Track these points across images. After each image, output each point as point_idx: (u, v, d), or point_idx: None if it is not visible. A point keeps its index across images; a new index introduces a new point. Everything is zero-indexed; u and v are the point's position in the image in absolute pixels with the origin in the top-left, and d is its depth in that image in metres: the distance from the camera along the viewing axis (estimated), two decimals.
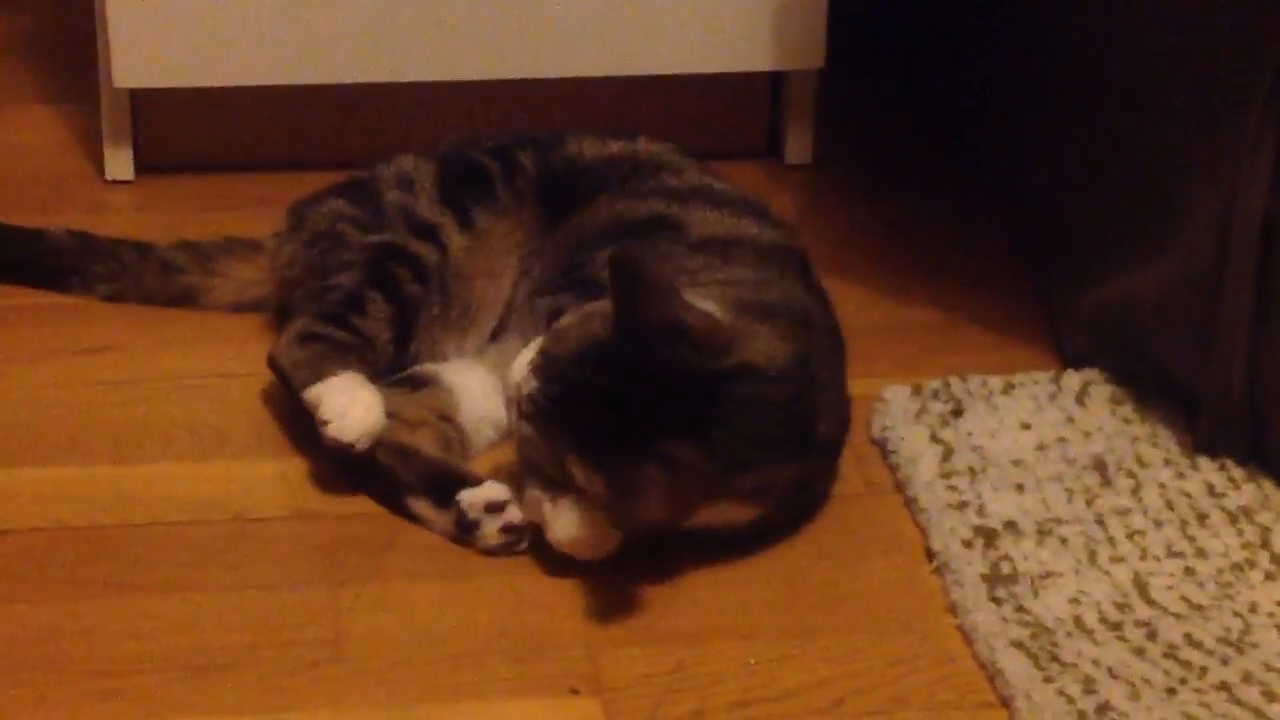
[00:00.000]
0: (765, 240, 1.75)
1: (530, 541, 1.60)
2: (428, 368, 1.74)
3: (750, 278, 1.67)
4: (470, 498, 1.60)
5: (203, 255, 1.88)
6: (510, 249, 1.79)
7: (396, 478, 1.64)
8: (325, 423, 1.62)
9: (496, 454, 1.71)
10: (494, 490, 1.60)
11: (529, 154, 1.83)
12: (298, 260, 1.82)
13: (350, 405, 1.62)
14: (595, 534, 1.56)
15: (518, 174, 1.82)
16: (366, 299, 1.72)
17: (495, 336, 1.78)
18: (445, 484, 1.62)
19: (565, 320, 1.59)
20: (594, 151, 1.85)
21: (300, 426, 1.69)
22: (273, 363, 1.71)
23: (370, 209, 1.80)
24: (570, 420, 1.55)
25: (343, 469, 1.66)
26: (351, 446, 1.62)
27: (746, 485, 1.56)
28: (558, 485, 1.57)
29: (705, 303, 1.58)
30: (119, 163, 2.12)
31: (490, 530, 1.60)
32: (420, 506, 1.63)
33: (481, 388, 1.73)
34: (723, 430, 1.53)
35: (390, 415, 1.65)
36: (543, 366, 1.56)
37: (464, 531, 1.60)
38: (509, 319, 1.77)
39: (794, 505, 1.63)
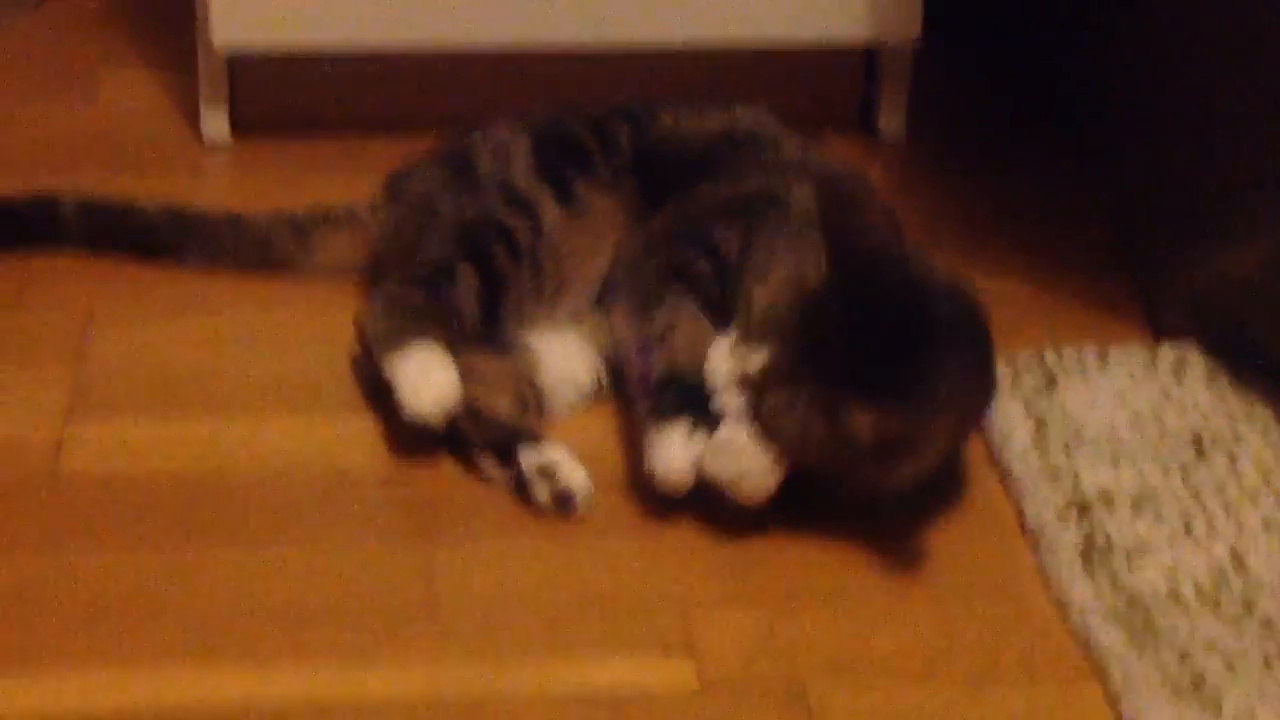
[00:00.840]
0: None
1: (586, 506, 1.60)
2: (512, 333, 1.74)
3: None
4: (528, 458, 1.61)
5: (297, 226, 1.89)
6: (611, 227, 1.78)
7: (466, 434, 1.65)
8: (401, 396, 1.63)
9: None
10: (550, 453, 1.61)
11: (624, 129, 1.83)
12: (391, 230, 1.83)
13: (425, 379, 1.63)
14: (767, 468, 1.56)
15: (614, 151, 1.81)
16: (457, 270, 1.73)
17: (594, 304, 1.78)
18: (509, 442, 1.63)
19: (757, 292, 1.57)
20: (692, 126, 1.84)
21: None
22: (358, 325, 1.72)
23: (466, 180, 1.80)
24: (825, 362, 1.52)
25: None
26: (427, 420, 1.63)
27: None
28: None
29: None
30: (216, 126, 2.13)
31: (541, 492, 1.60)
32: (486, 463, 1.64)
33: (565, 352, 1.73)
34: (959, 349, 1.55)
35: (469, 374, 1.66)
36: (763, 335, 1.54)
37: (520, 490, 1.62)
38: (608, 292, 1.77)
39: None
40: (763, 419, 1.55)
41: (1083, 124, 2.14)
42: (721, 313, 1.63)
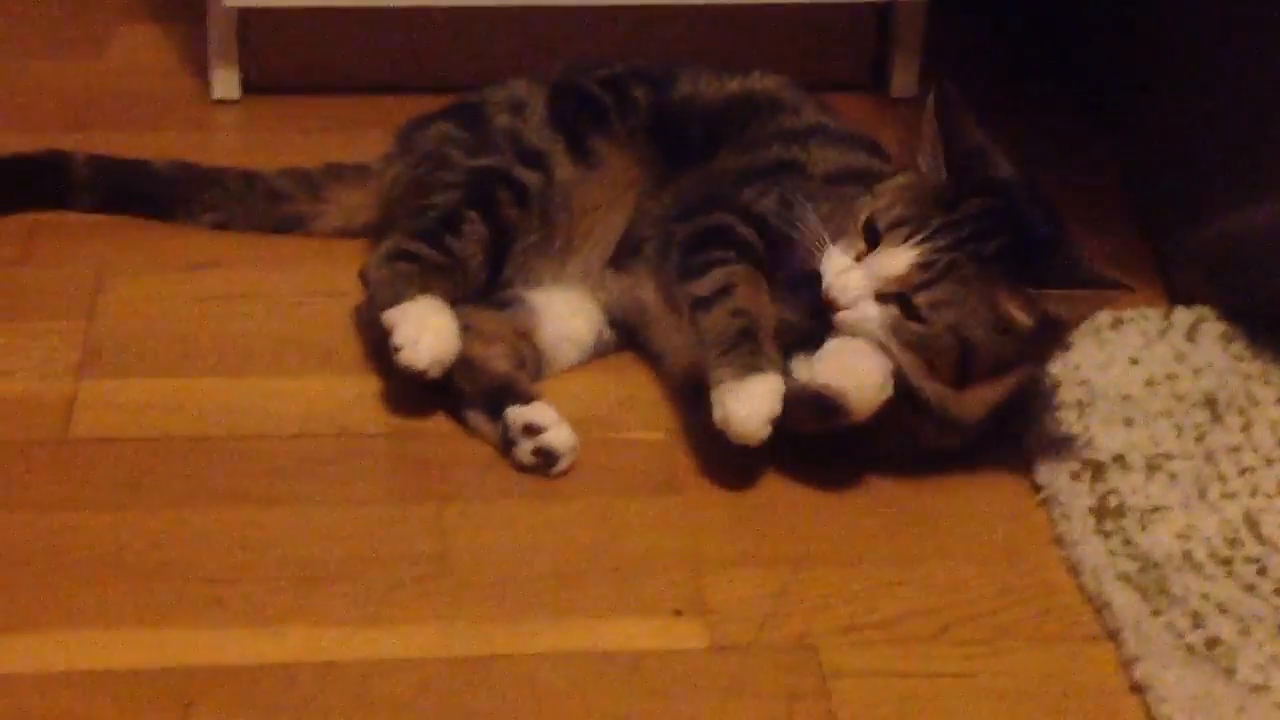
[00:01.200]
0: (887, 173, 1.73)
1: (568, 465, 1.60)
2: (516, 289, 1.74)
3: None
4: (514, 415, 1.61)
5: (310, 182, 1.88)
6: (627, 185, 1.77)
7: (459, 388, 1.65)
8: (398, 348, 1.62)
9: (588, 378, 1.72)
10: (538, 412, 1.61)
11: (642, 89, 1.82)
12: (401, 180, 1.81)
13: (423, 332, 1.62)
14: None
15: (631, 109, 1.80)
16: (464, 219, 1.72)
17: (609, 264, 1.77)
18: (500, 398, 1.62)
19: (876, 204, 1.57)
20: (711, 91, 1.83)
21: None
22: (363, 276, 1.72)
23: (478, 133, 1.79)
24: (985, 254, 1.54)
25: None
26: (424, 374, 1.62)
27: None
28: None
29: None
30: (225, 82, 2.12)
31: (524, 449, 1.60)
32: (475, 418, 1.64)
33: (567, 309, 1.73)
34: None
35: (467, 328, 1.66)
36: (908, 237, 1.54)
37: (506, 447, 1.61)
38: (626, 253, 1.76)
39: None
40: (918, 319, 1.55)
41: (1095, 84, 2.13)
42: (767, 275, 1.63)
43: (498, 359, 1.67)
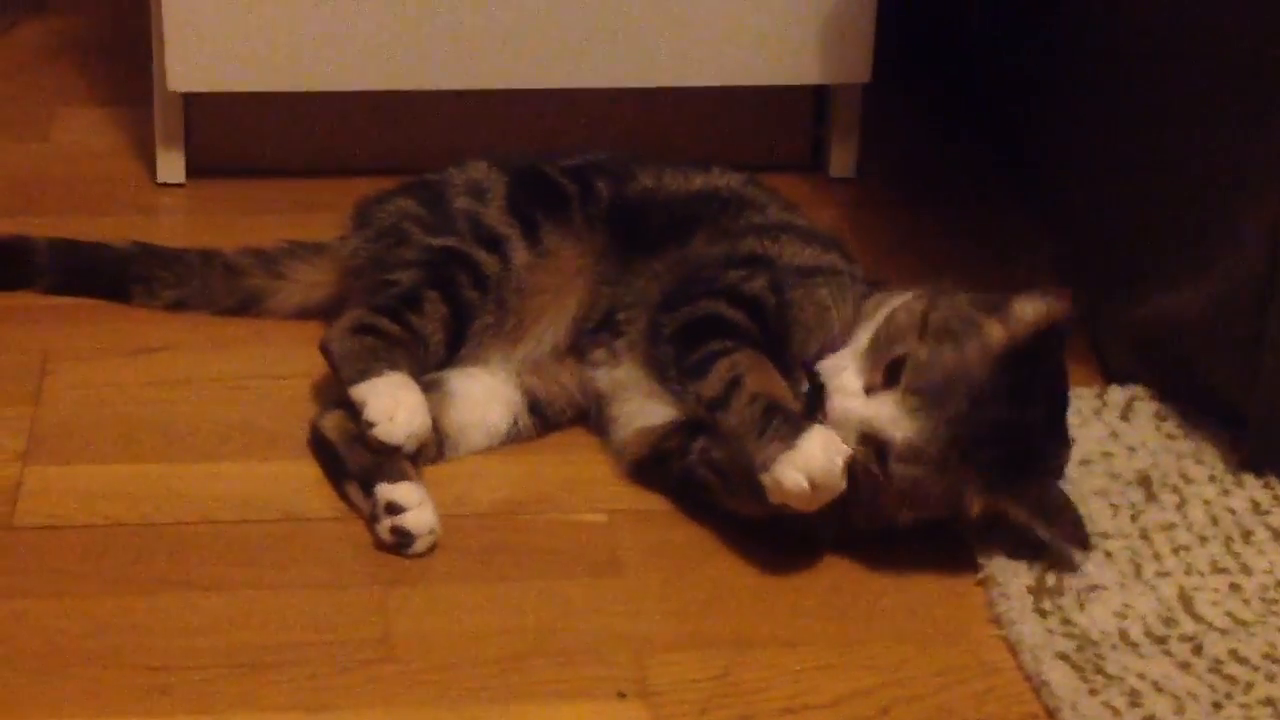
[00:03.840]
0: (851, 272, 1.76)
1: (424, 549, 1.61)
2: (441, 371, 1.75)
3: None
4: (381, 491, 1.62)
5: (267, 258, 1.89)
6: (578, 271, 1.79)
7: (342, 462, 1.67)
8: (372, 424, 1.64)
9: (530, 460, 1.74)
10: (402, 492, 1.62)
11: (605, 181, 1.84)
12: (360, 254, 1.83)
13: (397, 408, 1.65)
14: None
15: (592, 200, 1.83)
16: (424, 298, 1.74)
17: (570, 352, 1.78)
18: (375, 475, 1.64)
19: (910, 346, 1.57)
20: (675, 185, 1.86)
21: None
22: (325, 349, 1.73)
23: (438, 212, 1.82)
24: (981, 458, 1.56)
25: (313, 447, 1.70)
26: (398, 449, 1.64)
27: None
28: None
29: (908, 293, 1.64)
30: (171, 166, 2.14)
31: (384, 526, 1.62)
32: (352, 490, 1.66)
33: (484, 396, 1.75)
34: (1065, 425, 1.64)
35: None
36: (920, 408, 1.55)
37: (371, 522, 1.63)
38: (581, 340, 1.77)
39: None
40: (884, 472, 1.56)
41: (1031, 166, 2.16)
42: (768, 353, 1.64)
43: None
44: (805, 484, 1.54)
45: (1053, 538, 1.60)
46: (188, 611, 1.55)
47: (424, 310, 1.74)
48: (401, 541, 1.61)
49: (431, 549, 1.62)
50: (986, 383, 1.56)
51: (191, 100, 2.11)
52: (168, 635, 1.52)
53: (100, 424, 1.75)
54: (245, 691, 1.47)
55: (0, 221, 1.96)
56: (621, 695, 1.49)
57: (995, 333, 1.58)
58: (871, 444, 1.57)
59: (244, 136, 2.15)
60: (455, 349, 1.75)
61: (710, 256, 1.76)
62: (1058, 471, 1.62)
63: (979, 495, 1.58)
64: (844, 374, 1.59)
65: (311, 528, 1.65)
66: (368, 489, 1.64)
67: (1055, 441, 1.62)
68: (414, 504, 1.61)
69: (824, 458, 1.54)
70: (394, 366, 1.68)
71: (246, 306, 1.90)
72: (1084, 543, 1.59)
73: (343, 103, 2.12)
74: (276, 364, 1.83)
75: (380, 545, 1.62)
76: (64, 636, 1.52)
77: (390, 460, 1.65)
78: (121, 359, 1.84)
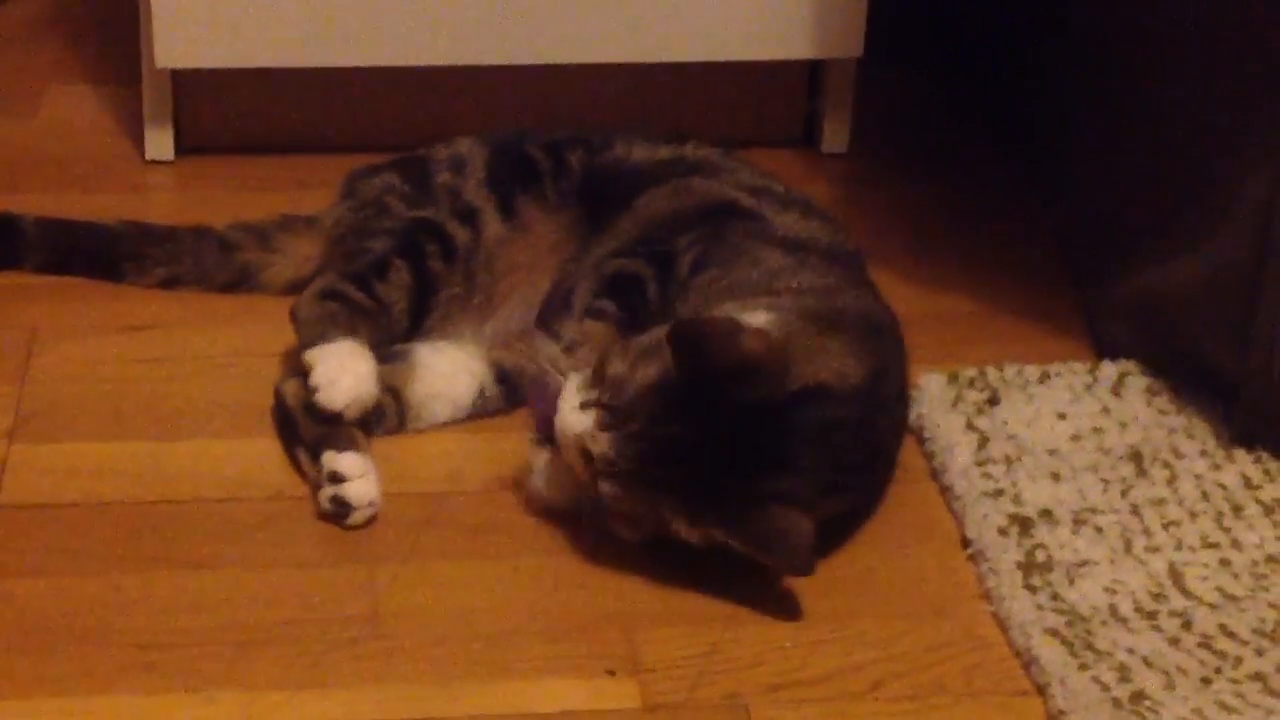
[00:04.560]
0: (831, 243, 1.76)
1: (361, 521, 1.61)
2: (408, 345, 1.75)
3: (820, 284, 1.67)
4: (326, 459, 1.62)
5: (260, 233, 1.89)
6: (553, 248, 1.79)
7: (296, 428, 1.67)
8: (315, 388, 1.64)
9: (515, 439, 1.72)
10: (345, 462, 1.62)
11: (578, 155, 1.84)
12: (342, 223, 1.85)
13: (341, 374, 1.65)
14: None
15: (564, 175, 1.83)
16: (391, 266, 1.75)
17: (539, 327, 1.78)
18: (323, 443, 1.64)
19: (616, 367, 1.54)
20: (643, 155, 1.86)
21: None
22: (292, 314, 1.74)
23: (420, 186, 1.83)
24: (664, 479, 1.53)
25: (273, 413, 1.70)
26: (339, 415, 1.64)
27: (830, 509, 1.56)
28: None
29: (772, 314, 1.57)
30: (159, 143, 2.13)
31: (325, 494, 1.62)
32: (302, 457, 1.66)
33: (450, 368, 1.75)
34: (810, 457, 1.53)
35: None
36: (611, 424, 1.53)
37: (315, 489, 1.63)
38: (553, 313, 1.77)
39: (867, 506, 1.64)
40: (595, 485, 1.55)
41: (1026, 139, 2.16)
42: (653, 319, 1.63)
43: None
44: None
45: (774, 565, 1.54)
46: (176, 589, 1.55)
47: (389, 279, 1.74)
48: (339, 511, 1.61)
49: (369, 522, 1.62)
50: (660, 403, 1.51)
51: (180, 77, 2.10)
52: (156, 613, 1.52)
53: (88, 402, 1.75)
54: (234, 669, 1.47)
55: None
56: (611, 672, 1.49)
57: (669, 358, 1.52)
58: (586, 457, 1.55)
59: (233, 113, 2.14)
60: (419, 319, 1.75)
61: (685, 200, 1.76)
62: (794, 499, 1.51)
63: (677, 516, 1.53)
64: (574, 384, 1.57)
65: (300, 505, 1.65)
66: (315, 456, 1.64)
67: (790, 471, 1.52)
68: (356, 475, 1.61)
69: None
70: (349, 334, 1.68)
71: (239, 282, 1.89)
72: (804, 570, 1.52)
73: (332, 79, 2.11)
74: (265, 341, 1.82)
75: (320, 514, 1.62)
76: (51, 615, 1.51)
77: (339, 429, 1.64)
78: (109, 336, 1.84)
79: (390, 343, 1.73)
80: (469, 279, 1.77)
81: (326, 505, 1.62)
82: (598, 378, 1.56)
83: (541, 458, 1.62)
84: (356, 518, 1.61)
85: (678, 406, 1.51)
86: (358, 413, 1.64)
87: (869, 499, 1.64)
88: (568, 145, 1.85)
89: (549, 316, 1.76)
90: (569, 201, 1.81)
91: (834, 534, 1.60)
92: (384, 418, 1.71)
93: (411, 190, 1.83)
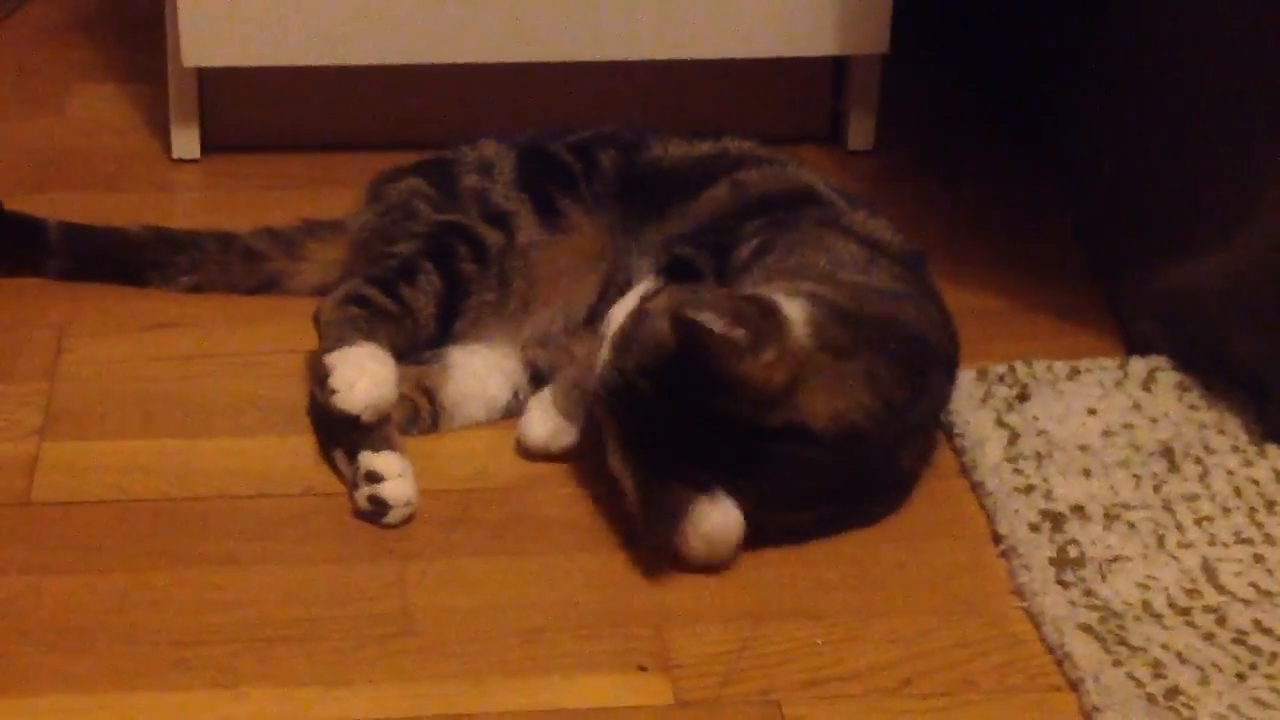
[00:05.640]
0: (900, 247, 1.74)
1: (399, 520, 1.61)
2: (442, 349, 1.75)
3: (887, 288, 1.66)
4: (363, 459, 1.62)
5: (286, 240, 1.88)
6: (598, 255, 1.78)
7: (335, 428, 1.67)
8: (333, 391, 1.64)
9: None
10: (383, 461, 1.62)
11: (609, 155, 1.83)
12: (368, 228, 1.84)
13: (359, 377, 1.64)
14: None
15: (598, 176, 1.81)
16: (419, 270, 1.74)
17: (585, 326, 1.77)
18: (360, 443, 1.64)
19: (658, 301, 1.57)
20: (680, 152, 1.85)
21: None
22: (316, 318, 1.74)
23: (446, 190, 1.81)
24: (623, 415, 1.55)
25: (310, 414, 1.71)
26: (357, 418, 1.63)
27: (780, 521, 1.57)
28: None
29: (809, 309, 1.56)
30: (185, 142, 2.13)
31: (362, 494, 1.62)
32: (339, 457, 1.66)
33: (484, 368, 1.74)
34: (759, 481, 1.54)
35: None
36: (618, 347, 1.56)
37: (352, 488, 1.63)
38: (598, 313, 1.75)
39: (846, 520, 1.62)
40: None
41: (1053, 136, 2.15)
42: None
43: (394, 413, 1.68)
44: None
45: (651, 540, 1.56)
46: (206, 586, 1.55)
47: (417, 282, 1.73)
48: (377, 510, 1.61)
49: (407, 520, 1.61)
50: (651, 359, 1.54)
51: (206, 75, 2.10)
52: (186, 610, 1.52)
53: (116, 399, 1.75)
54: (264, 666, 1.47)
55: (16, 197, 1.95)
56: (642, 668, 1.48)
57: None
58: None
59: (259, 111, 2.14)
60: (449, 324, 1.74)
61: (748, 191, 1.75)
62: (717, 495, 1.54)
63: (613, 444, 1.58)
64: (640, 290, 1.62)
65: (329, 502, 1.64)
66: (352, 456, 1.63)
67: (733, 477, 1.54)
68: (393, 474, 1.61)
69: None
70: (370, 338, 1.68)
71: (267, 288, 1.88)
72: (678, 558, 1.55)
73: (357, 77, 2.11)
74: (292, 338, 1.82)
75: (357, 513, 1.62)
76: (82, 612, 1.51)
77: (377, 429, 1.64)
78: (137, 334, 1.84)
79: (418, 348, 1.72)
80: (503, 283, 1.76)
81: (364, 504, 1.61)
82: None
83: (540, 400, 1.65)
84: (394, 516, 1.61)
85: (662, 372, 1.52)
86: (374, 417, 1.64)
87: (851, 511, 1.62)
88: (597, 145, 1.84)
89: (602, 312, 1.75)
90: (606, 203, 1.80)
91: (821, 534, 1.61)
92: (418, 419, 1.71)
93: (438, 194, 1.82)
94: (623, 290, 1.72)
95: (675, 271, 1.67)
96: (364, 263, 1.80)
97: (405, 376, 1.71)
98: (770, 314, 1.53)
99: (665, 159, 1.84)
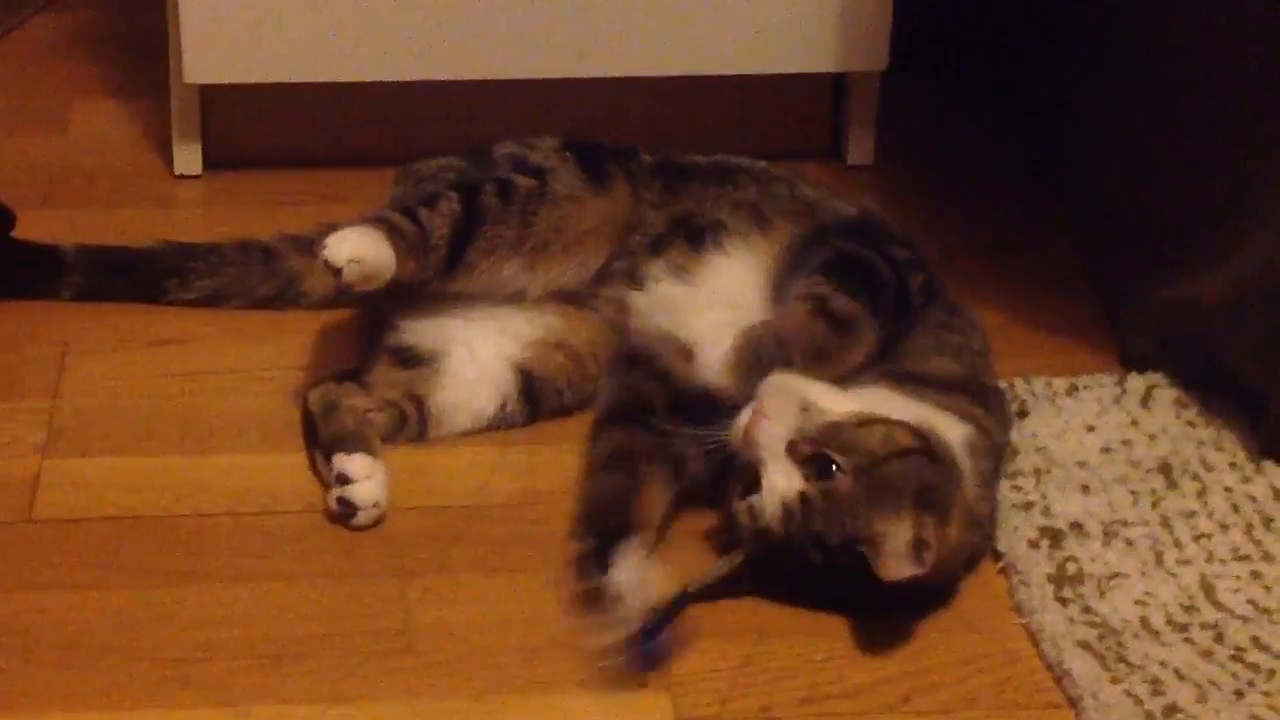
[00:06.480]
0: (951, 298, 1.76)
1: (367, 522, 1.63)
2: (439, 345, 1.75)
3: (975, 345, 1.68)
4: (336, 461, 1.64)
5: (304, 241, 1.88)
6: (624, 221, 1.78)
7: (316, 429, 1.69)
8: (324, 247, 1.64)
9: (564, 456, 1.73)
10: (353, 464, 1.63)
11: (646, 151, 1.86)
12: (397, 199, 1.82)
13: (350, 236, 1.64)
14: None
15: (637, 158, 1.84)
16: (441, 196, 1.73)
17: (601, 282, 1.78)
18: (335, 446, 1.65)
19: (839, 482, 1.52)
20: (721, 159, 1.87)
21: None
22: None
23: (480, 160, 1.83)
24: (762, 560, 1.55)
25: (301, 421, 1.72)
26: (340, 272, 1.63)
27: None
28: None
29: (972, 459, 1.57)
30: (188, 158, 2.13)
31: (333, 495, 1.63)
32: (317, 458, 1.67)
33: (474, 377, 1.75)
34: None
35: (365, 385, 1.71)
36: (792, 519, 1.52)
37: (326, 489, 1.65)
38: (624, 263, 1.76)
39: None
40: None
41: (1050, 151, 2.16)
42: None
43: (379, 421, 1.70)
44: None
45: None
46: (209, 603, 1.55)
47: (437, 207, 1.72)
48: (345, 512, 1.62)
49: (375, 523, 1.63)
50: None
51: (208, 92, 2.11)
52: (189, 627, 1.53)
53: (120, 416, 1.76)
54: (267, 683, 1.48)
55: (20, 213, 1.95)
56: (643, 685, 1.49)
57: None
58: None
59: (261, 128, 2.15)
60: (460, 250, 1.72)
61: (821, 219, 1.76)
62: None
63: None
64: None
65: (331, 519, 1.65)
66: (328, 458, 1.65)
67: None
68: (361, 477, 1.62)
69: None
70: (373, 226, 1.67)
71: (283, 291, 1.88)
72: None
73: (361, 93, 2.12)
74: (296, 355, 1.83)
75: (329, 514, 1.63)
76: (85, 629, 1.52)
77: (355, 432, 1.65)
78: (140, 351, 1.84)
79: (428, 272, 1.71)
80: (525, 224, 1.75)
81: (334, 505, 1.63)
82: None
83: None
84: (361, 519, 1.62)
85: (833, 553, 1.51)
86: (357, 275, 1.63)
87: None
88: (634, 148, 1.86)
89: (637, 261, 1.75)
90: (644, 179, 1.80)
91: None
92: (405, 425, 1.72)
93: (470, 165, 1.83)
94: (635, 254, 1.72)
95: (851, 273, 1.64)
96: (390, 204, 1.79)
97: (395, 383, 1.72)
98: (951, 485, 1.54)
99: (710, 159, 1.86)
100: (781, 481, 1.52)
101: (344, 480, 1.62)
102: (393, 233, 1.68)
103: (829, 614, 1.56)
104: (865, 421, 1.53)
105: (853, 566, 1.49)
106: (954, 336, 1.69)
